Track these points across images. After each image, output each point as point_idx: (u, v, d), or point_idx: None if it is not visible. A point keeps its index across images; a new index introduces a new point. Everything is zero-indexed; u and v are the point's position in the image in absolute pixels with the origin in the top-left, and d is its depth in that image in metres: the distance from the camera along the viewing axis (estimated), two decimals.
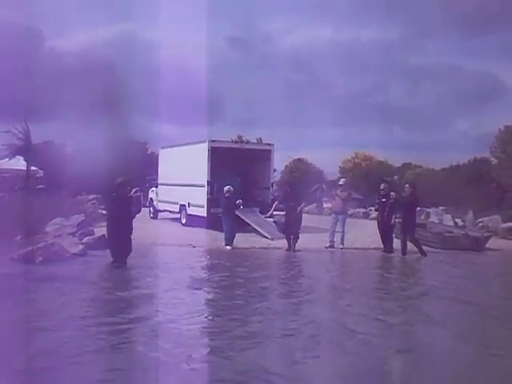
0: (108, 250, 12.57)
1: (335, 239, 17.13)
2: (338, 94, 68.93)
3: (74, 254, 13.18)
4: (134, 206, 12.51)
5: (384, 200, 16.55)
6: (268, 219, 20.43)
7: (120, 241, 12.20)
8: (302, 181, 35.92)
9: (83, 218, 18.19)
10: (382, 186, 17.10)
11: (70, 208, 20.57)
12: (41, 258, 11.92)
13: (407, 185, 17.41)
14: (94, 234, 15.97)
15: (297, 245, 16.45)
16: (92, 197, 26.82)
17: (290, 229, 16.55)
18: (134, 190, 12.65)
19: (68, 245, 13.69)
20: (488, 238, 19.52)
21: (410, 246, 16.33)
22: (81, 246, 14.00)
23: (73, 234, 15.86)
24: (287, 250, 16.27)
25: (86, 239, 15.14)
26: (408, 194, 16.65)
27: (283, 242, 17.35)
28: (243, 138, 45.40)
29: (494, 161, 40.21)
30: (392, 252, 16.29)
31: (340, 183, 18.77)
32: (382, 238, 16.69)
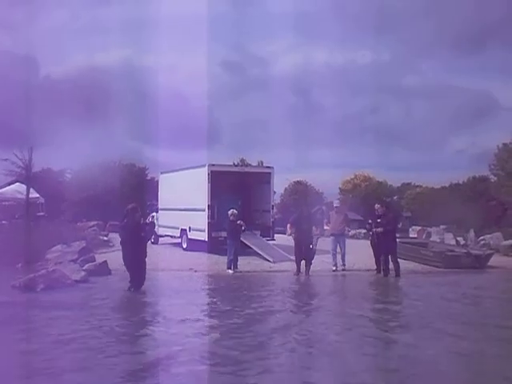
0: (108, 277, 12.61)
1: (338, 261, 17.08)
2: (334, 115, 69.16)
3: (76, 281, 13.15)
4: (147, 231, 12.71)
5: (379, 221, 16.21)
6: (269, 242, 20.44)
7: (134, 266, 12.34)
8: (301, 203, 36.05)
9: (84, 244, 18.18)
10: (376, 206, 16.84)
11: (70, 235, 20.53)
12: (42, 286, 11.90)
13: (377, 205, 16.89)
14: (95, 261, 15.98)
15: (302, 268, 16.22)
16: (93, 223, 26.82)
17: (303, 252, 16.16)
18: (149, 216, 12.98)
19: (69, 272, 13.66)
20: (490, 255, 19.50)
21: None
22: (82, 273, 13.99)
23: (74, 261, 15.86)
24: (296, 274, 15.97)
25: (87, 266, 15.14)
26: (382, 215, 16.29)
27: (285, 265, 17.35)
28: (245, 161, 45.59)
29: (494, 178, 40.24)
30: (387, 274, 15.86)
31: (335, 205, 18.66)
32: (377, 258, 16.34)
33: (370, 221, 16.84)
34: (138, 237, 12.35)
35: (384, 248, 15.93)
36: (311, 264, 16.19)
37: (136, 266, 12.35)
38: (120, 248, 12.85)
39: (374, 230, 16.16)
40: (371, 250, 16.48)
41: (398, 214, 17.32)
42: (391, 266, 15.91)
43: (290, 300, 12.00)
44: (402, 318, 10.06)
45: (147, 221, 12.82)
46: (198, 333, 8.24)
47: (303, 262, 16.20)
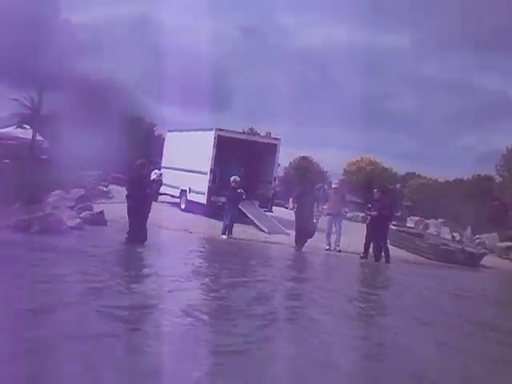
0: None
1: (332, 241, 17.13)
2: (348, 96, 68.67)
3: (71, 227, 13.20)
4: (153, 188, 12.93)
5: (377, 205, 16.18)
6: (267, 213, 20.47)
7: (137, 220, 12.41)
8: (304, 179, 36.08)
9: (83, 192, 18.20)
10: (375, 191, 16.89)
11: (71, 181, 20.54)
12: (37, 228, 11.95)
13: (375, 189, 17.03)
14: (92, 210, 16.01)
15: (291, 239, 16.39)
16: (94, 173, 26.80)
17: (304, 228, 16.07)
18: (159, 173, 13.06)
19: (66, 217, 13.71)
20: (483, 254, 19.58)
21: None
22: (78, 220, 14.05)
23: (71, 208, 15.91)
24: (298, 250, 15.88)
25: (83, 214, 15.17)
26: (377, 199, 16.37)
27: (279, 238, 17.43)
28: (254, 131, 45.44)
29: (499, 179, 40.16)
30: (378, 260, 15.81)
31: (334, 185, 18.69)
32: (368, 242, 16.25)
33: (369, 205, 16.86)
34: (144, 192, 12.42)
35: (376, 233, 15.92)
36: (306, 242, 16.09)
37: (139, 221, 12.41)
38: (119, 201, 12.94)
39: (369, 213, 16.26)
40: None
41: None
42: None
43: (269, 272, 11.98)
44: (375, 301, 10.11)
45: (156, 177, 12.88)
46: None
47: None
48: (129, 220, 12.61)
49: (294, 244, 16.17)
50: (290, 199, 16.85)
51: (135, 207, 12.41)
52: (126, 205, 12.82)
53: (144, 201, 12.53)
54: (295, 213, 16.44)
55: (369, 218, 16.48)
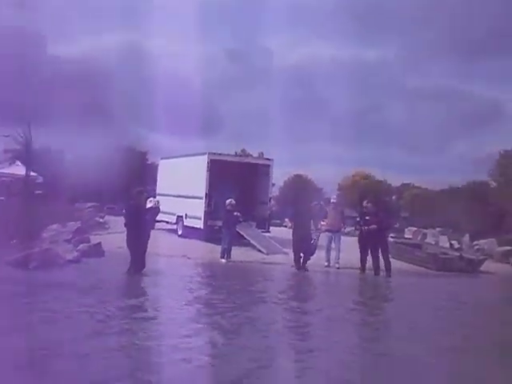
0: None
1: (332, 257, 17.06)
2: (338, 111, 69.10)
3: (69, 261, 13.20)
4: (151, 215, 12.89)
5: (367, 218, 15.95)
6: (265, 234, 20.48)
7: (136, 248, 12.40)
8: (300, 197, 36.19)
9: (79, 225, 18.21)
10: (364, 203, 16.58)
11: (67, 215, 20.55)
12: (35, 263, 11.94)
13: (366, 202, 16.63)
14: (89, 242, 16.02)
15: (290, 259, 16.30)
16: (89, 204, 26.85)
17: (301, 246, 15.95)
18: (155, 201, 13.10)
19: (63, 251, 13.72)
20: (482, 260, 19.58)
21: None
22: (75, 253, 14.06)
23: (68, 241, 15.91)
24: (297, 269, 15.73)
25: (81, 246, 15.19)
26: (372, 213, 16.05)
27: (278, 258, 17.43)
28: (246, 152, 45.62)
29: (493, 184, 40.30)
30: (378, 273, 15.66)
31: (332, 200, 18.38)
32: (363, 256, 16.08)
33: (358, 218, 16.61)
34: (142, 220, 12.42)
35: (372, 246, 15.78)
36: (309, 259, 15.99)
37: (138, 249, 12.39)
38: (115, 231, 12.94)
39: (364, 227, 15.98)
40: None
41: (390, 213, 16.85)
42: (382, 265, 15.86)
43: (270, 291, 12.01)
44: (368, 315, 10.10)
45: (153, 205, 12.90)
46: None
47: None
48: (129, 249, 12.56)
49: (293, 263, 16.09)
50: (287, 218, 16.91)
51: (135, 236, 12.39)
52: (122, 235, 12.84)
53: (143, 229, 12.51)
54: (292, 231, 16.39)
55: (360, 232, 16.16)
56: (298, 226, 16.10)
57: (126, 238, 12.64)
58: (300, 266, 15.82)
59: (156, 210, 13.16)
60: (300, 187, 50.72)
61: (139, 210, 12.49)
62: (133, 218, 12.48)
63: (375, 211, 16.29)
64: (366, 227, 15.74)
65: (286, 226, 18.69)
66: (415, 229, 27.19)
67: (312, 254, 16.05)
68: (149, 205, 12.81)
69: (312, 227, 16.27)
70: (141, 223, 12.41)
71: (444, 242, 24.17)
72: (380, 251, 15.87)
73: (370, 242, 15.77)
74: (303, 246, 15.90)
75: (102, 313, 8.11)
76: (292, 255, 16.31)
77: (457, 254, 19.94)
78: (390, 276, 15.61)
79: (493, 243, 23.91)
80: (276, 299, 10.76)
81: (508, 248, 23.07)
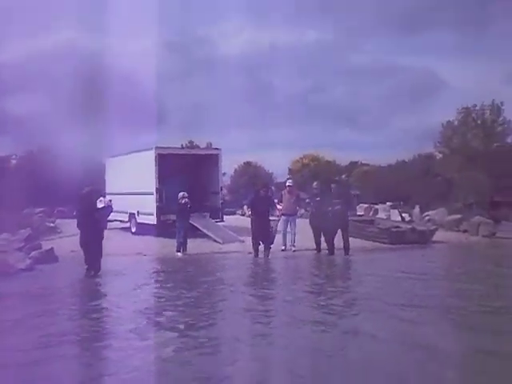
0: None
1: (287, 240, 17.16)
2: (281, 95, 69.35)
3: (21, 269, 12.94)
4: (103, 214, 12.67)
5: (318, 199, 16.19)
6: (219, 223, 20.48)
7: (91, 249, 12.27)
8: (250, 184, 36.25)
9: (30, 231, 17.87)
10: (314, 185, 16.75)
11: (16, 222, 20.12)
12: None
13: (316, 183, 16.95)
14: (41, 248, 15.73)
15: (246, 246, 16.29)
16: (39, 210, 26.31)
17: (260, 234, 15.90)
18: (107, 200, 12.90)
19: (14, 260, 13.43)
20: (434, 231, 20.08)
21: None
22: (28, 261, 13.78)
23: (20, 249, 15.59)
24: (255, 256, 15.70)
25: (33, 253, 14.89)
26: (318, 193, 16.32)
27: (234, 246, 17.47)
28: (194, 143, 45.34)
29: (439, 155, 41.04)
30: (333, 253, 15.93)
31: (287, 184, 18.12)
32: (316, 236, 16.31)
33: (307, 200, 16.73)
34: (94, 220, 12.26)
35: (331, 226, 15.93)
36: (270, 248, 15.95)
37: (92, 250, 12.26)
38: (67, 234, 12.75)
39: (313, 209, 16.12)
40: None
41: (348, 192, 16.85)
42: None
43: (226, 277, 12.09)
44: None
45: (105, 204, 12.72)
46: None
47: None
48: (83, 251, 12.42)
49: (251, 250, 16.10)
50: (244, 206, 16.84)
51: (88, 237, 12.27)
52: (74, 238, 12.68)
53: (95, 229, 12.36)
54: (251, 220, 16.30)
55: (311, 213, 16.33)
56: (257, 213, 15.99)
57: (79, 239, 12.46)
58: (257, 253, 15.78)
59: (108, 208, 12.99)
60: (251, 174, 50.84)
61: (91, 209, 12.32)
62: (85, 219, 12.33)
63: (325, 192, 16.48)
64: (336, 208, 15.78)
65: (243, 215, 18.62)
66: (366, 205, 27.58)
67: (272, 243, 16.07)
68: (100, 204, 12.62)
69: (270, 213, 16.30)
70: (93, 223, 12.26)
71: (395, 215, 24.66)
72: (340, 231, 16.02)
73: (328, 222, 15.86)
74: (262, 234, 15.85)
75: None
76: (249, 242, 16.33)
77: (408, 226, 20.38)
78: (348, 254, 15.83)
79: (443, 213, 24.50)
80: (235, 287, 10.80)
81: (457, 216, 23.69)
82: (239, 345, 6.55)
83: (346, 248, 15.99)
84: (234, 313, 8.37)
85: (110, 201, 13.20)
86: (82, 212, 12.58)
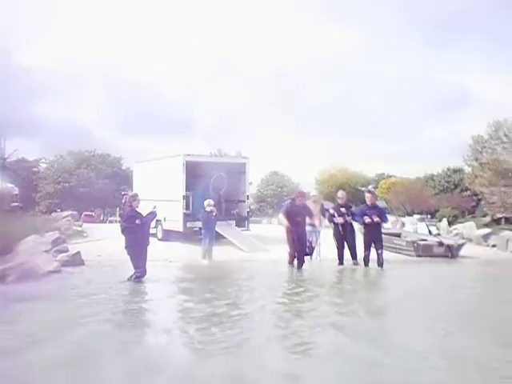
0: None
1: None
2: (309, 104, 69.57)
3: (49, 272, 13.06)
4: (146, 219, 12.53)
5: (342, 210, 15.50)
6: (245, 232, 20.50)
7: (136, 254, 12.15)
8: (277, 193, 36.32)
9: (58, 235, 18.03)
10: (339, 194, 15.97)
11: (44, 225, 20.37)
12: (12, 277, 11.77)
13: (341, 192, 16.19)
14: (68, 251, 15.86)
15: (277, 257, 15.83)
16: (66, 213, 26.61)
17: (297, 245, 14.63)
18: (153, 206, 12.90)
19: (42, 262, 13.55)
20: (462, 245, 19.80)
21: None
22: (55, 264, 13.90)
23: (47, 252, 15.74)
24: (291, 267, 14.61)
25: (60, 256, 15.03)
26: (343, 204, 15.65)
27: (259, 255, 17.44)
28: (222, 152, 45.62)
29: (468, 169, 40.63)
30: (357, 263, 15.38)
31: (312, 194, 17.81)
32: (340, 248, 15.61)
33: (331, 210, 15.88)
34: (136, 225, 12.13)
35: (368, 239, 15.24)
36: (303, 261, 14.72)
37: (137, 255, 12.14)
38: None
39: (337, 220, 15.44)
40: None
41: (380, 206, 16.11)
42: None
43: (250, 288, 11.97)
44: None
45: (152, 210, 12.72)
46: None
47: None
48: (130, 255, 12.24)
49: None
50: (280, 214, 15.27)
51: (134, 241, 12.13)
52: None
53: (139, 233, 12.22)
54: (286, 229, 14.78)
55: (336, 224, 15.61)
56: (293, 223, 14.58)
57: (125, 244, 12.25)
58: (292, 263, 14.72)
59: (153, 214, 12.96)
60: (272, 184, 50.84)
61: (135, 214, 12.26)
62: (127, 224, 12.24)
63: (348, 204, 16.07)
64: (374, 219, 14.99)
65: (280, 224, 18.06)
66: (394, 218, 27.36)
67: (309, 254, 15.31)
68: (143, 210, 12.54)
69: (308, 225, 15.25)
70: (136, 228, 12.13)
71: (422, 228, 24.41)
72: (374, 243, 15.26)
73: (346, 235, 15.41)
74: (299, 245, 14.69)
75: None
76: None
77: (436, 239, 20.13)
78: (382, 267, 15.06)
79: (471, 227, 24.20)
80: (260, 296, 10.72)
81: (486, 230, 23.40)
82: None
83: (381, 262, 15.13)
84: None
85: (155, 207, 13.10)
86: (128, 216, 12.40)
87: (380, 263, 15.10)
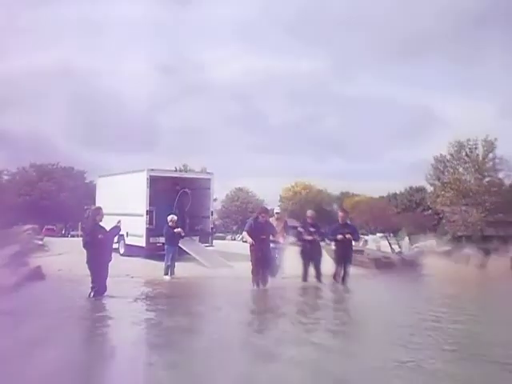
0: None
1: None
2: (274, 123, 70.09)
3: (8, 286, 12.80)
4: (109, 234, 12.27)
5: (312, 229, 15.37)
6: (208, 248, 20.43)
7: (97, 270, 11.86)
8: (242, 210, 36.35)
9: (18, 248, 17.73)
10: (309, 213, 16.00)
11: (4, 238, 19.98)
12: None
13: (311, 212, 16.21)
14: (28, 265, 15.61)
15: (240, 274, 15.60)
16: (28, 227, 26.14)
17: (261, 263, 14.16)
18: (117, 220, 12.60)
19: (1, 277, 13.31)
20: (421, 262, 20.16)
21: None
22: (14, 278, 13.65)
23: (7, 266, 15.46)
24: (256, 286, 14.00)
25: (20, 270, 14.78)
26: (311, 223, 15.61)
27: (223, 272, 17.36)
28: (187, 167, 45.56)
29: (430, 188, 41.29)
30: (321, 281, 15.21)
31: (276, 211, 17.42)
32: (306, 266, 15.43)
33: (299, 228, 15.85)
34: (99, 239, 11.86)
35: (339, 255, 15.43)
36: (267, 279, 14.24)
37: (98, 271, 11.87)
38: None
39: (307, 239, 15.59)
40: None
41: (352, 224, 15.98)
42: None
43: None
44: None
45: (116, 224, 12.46)
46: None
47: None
48: (91, 271, 11.95)
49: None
50: (244, 232, 15.12)
51: (96, 255, 11.84)
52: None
53: (101, 248, 11.93)
54: (250, 247, 14.42)
55: (304, 242, 15.43)
56: (257, 240, 14.19)
57: (86, 259, 11.98)
58: (258, 283, 14.12)
59: (117, 229, 12.78)
60: (237, 200, 50.92)
61: (98, 229, 12.00)
62: (89, 238, 11.99)
63: (315, 223, 16.11)
64: (346, 236, 15.06)
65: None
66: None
67: (274, 273, 14.98)
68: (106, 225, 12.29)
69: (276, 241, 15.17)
70: (98, 243, 11.84)
71: (385, 246, 24.75)
72: (343, 262, 15.35)
73: (313, 253, 15.31)
74: (263, 263, 14.28)
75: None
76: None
77: (398, 257, 20.43)
78: (344, 284, 15.17)
79: (432, 244, 24.61)
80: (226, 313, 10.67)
81: (447, 248, 23.79)
82: None
83: (345, 278, 15.26)
84: None
85: (119, 221, 12.82)
86: (90, 230, 12.20)
87: (345, 280, 15.23)
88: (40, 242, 22.78)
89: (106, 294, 11.93)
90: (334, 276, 15.39)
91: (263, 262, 14.29)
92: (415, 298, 14.06)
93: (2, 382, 5.81)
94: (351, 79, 75.18)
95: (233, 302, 12.16)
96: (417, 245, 25.25)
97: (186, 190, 21.20)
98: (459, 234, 32.28)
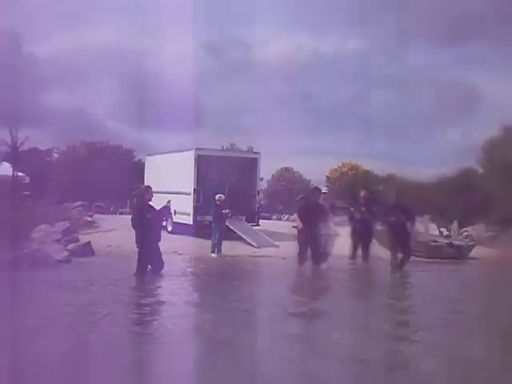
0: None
1: None
2: (321, 103, 69.44)
3: (58, 261, 13.14)
4: (158, 213, 12.30)
5: (363, 209, 15.35)
6: (254, 227, 20.50)
7: (145, 248, 11.86)
8: (288, 189, 36.31)
9: (68, 224, 18.13)
10: (362, 194, 15.98)
11: (55, 215, 20.44)
12: (25, 264, 11.87)
13: (364, 192, 16.10)
14: (78, 241, 15.96)
15: (286, 254, 15.61)
16: (78, 203, 26.69)
17: (308, 248, 13.83)
18: (167, 200, 12.66)
19: (52, 251, 13.65)
20: (471, 246, 19.73)
21: None
22: (65, 253, 13.98)
23: (58, 241, 15.83)
24: (300, 265, 13.87)
25: (70, 246, 15.12)
26: (364, 203, 15.58)
27: (269, 251, 17.40)
28: (234, 147, 45.65)
29: (480, 170, 40.38)
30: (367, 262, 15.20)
31: (322, 191, 16.93)
32: (356, 247, 15.44)
33: (351, 208, 15.90)
34: (148, 219, 11.83)
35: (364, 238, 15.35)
36: (320, 259, 13.86)
37: (150, 249, 11.87)
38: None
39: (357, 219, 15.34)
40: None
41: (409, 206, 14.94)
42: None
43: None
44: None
45: (166, 204, 12.48)
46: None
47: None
48: (139, 249, 11.93)
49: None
50: (295, 214, 14.89)
51: (144, 234, 11.83)
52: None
53: (149, 227, 11.89)
54: (298, 229, 14.11)
55: (354, 222, 15.43)
56: (306, 223, 13.73)
57: (135, 238, 11.96)
58: (303, 262, 13.86)
59: (167, 209, 12.83)
60: (283, 180, 50.88)
61: (147, 208, 11.96)
62: (137, 217, 12.02)
63: (371, 202, 15.87)
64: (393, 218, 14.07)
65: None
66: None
67: (323, 261, 14.04)
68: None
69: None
70: (146, 222, 11.80)
71: (433, 229, 24.31)
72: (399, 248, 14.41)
73: (363, 234, 15.25)
74: (311, 249, 13.87)
75: None
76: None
77: (446, 241, 20.06)
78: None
79: (481, 229, 24.12)
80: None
81: (495, 233, 23.28)
82: None
83: (402, 265, 14.23)
84: None
85: (169, 201, 12.80)
86: (139, 209, 12.18)
87: (401, 267, 14.23)
88: (90, 219, 23.23)
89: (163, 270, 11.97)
90: (391, 263, 14.28)
91: (314, 244, 13.87)
92: None
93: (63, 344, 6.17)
94: (400, 59, 73.64)
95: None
96: (465, 229, 24.81)
97: (233, 169, 21.26)
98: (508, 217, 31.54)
